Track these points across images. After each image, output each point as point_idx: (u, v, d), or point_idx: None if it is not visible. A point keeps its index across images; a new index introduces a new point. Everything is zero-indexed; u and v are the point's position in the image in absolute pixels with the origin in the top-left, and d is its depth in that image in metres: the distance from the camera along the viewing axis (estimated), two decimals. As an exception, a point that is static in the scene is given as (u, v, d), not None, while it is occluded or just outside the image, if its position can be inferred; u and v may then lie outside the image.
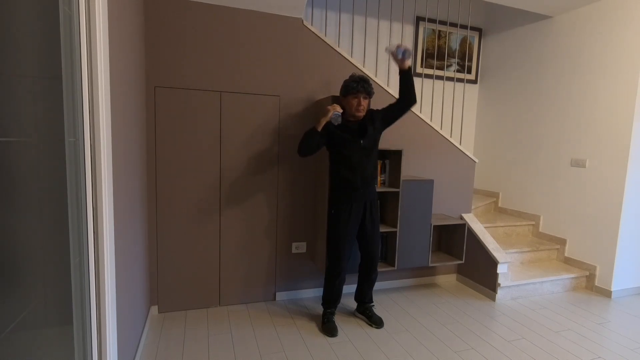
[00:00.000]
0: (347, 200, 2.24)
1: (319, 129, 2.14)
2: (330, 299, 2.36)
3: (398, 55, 2.10)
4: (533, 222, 3.53)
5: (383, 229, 2.63)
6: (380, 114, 2.25)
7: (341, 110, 2.16)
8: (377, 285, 3.03)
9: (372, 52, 3.63)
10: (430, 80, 3.92)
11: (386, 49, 2.15)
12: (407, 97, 2.19)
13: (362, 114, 2.19)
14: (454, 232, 2.98)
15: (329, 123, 2.19)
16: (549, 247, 3.31)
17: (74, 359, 1.12)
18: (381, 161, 2.63)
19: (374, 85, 2.79)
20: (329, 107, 2.15)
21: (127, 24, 1.69)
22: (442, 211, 3.13)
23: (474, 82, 4.17)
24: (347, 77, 2.73)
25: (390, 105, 2.25)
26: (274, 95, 2.58)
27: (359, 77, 2.14)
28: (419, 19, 3.76)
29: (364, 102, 2.15)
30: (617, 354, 2.17)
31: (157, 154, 2.37)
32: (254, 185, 2.60)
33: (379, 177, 2.49)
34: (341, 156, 2.21)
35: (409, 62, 2.13)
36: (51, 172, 1.00)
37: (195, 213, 2.49)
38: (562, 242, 3.29)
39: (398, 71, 2.20)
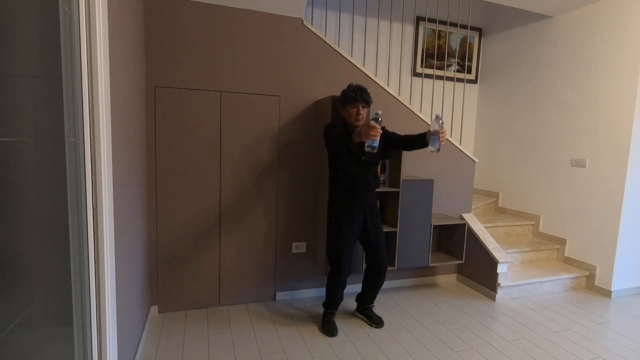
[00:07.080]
0: (347, 207, 2.24)
1: (354, 141, 1.92)
2: (332, 303, 2.36)
3: (434, 145, 1.91)
4: (533, 222, 3.53)
5: (383, 229, 2.62)
6: (387, 134, 2.21)
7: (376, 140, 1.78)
8: (377, 285, 3.03)
9: (372, 52, 3.63)
10: (430, 80, 3.92)
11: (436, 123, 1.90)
12: (411, 148, 2.15)
13: (361, 122, 2.14)
14: (454, 232, 2.98)
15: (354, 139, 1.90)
16: (549, 247, 3.31)
17: (73, 359, 1.12)
18: (381, 161, 2.62)
19: (373, 86, 2.79)
20: (373, 130, 1.74)
21: (127, 24, 1.69)
22: (442, 211, 3.13)
23: (474, 82, 4.17)
24: (346, 76, 2.74)
25: (400, 137, 2.18)
26: (274, 95, 2.58)
27: (357, 87, 2.13)
28: (419, 19, 3.76)
29: (363, 111, 2.14)
30: (617, 354, 2.17)
31: (157, 154, 2.37)
32: (254, 185, 2.60)
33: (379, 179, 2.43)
34: (340, 163, 2.20)
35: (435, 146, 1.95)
36: (51, 172, 1.00)
37: (195, 213, 2.49)
38: (562, 242, 3.29)
39: (426, 133, 2.00)
